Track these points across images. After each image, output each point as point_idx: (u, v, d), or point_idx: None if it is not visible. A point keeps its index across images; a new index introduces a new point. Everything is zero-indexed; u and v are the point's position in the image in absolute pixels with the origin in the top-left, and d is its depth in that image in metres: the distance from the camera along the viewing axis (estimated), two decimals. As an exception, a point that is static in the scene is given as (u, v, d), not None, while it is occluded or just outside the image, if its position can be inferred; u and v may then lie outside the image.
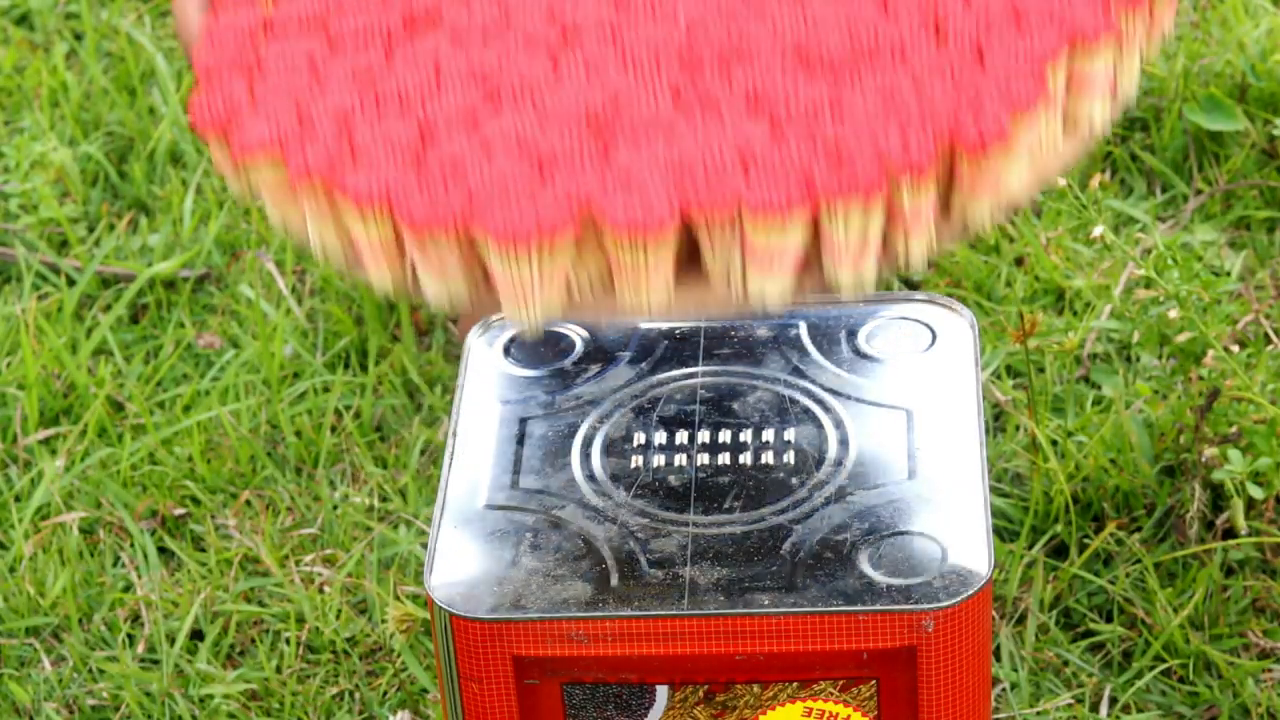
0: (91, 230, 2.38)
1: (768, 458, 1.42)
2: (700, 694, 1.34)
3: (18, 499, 2.04)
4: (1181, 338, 1.93)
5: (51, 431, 2.10)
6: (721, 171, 1.14)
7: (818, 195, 1.12)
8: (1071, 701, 1.79)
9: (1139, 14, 1.23)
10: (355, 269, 1.20)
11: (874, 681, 1.33)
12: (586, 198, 1.15)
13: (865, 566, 1.33)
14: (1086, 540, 1.90)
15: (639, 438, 1.44)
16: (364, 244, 1.18)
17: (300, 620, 1.90)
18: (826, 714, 1.34)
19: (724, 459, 1.42)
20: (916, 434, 1.43)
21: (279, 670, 1.87)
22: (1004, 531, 1.92)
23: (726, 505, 1.39)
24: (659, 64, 1.24)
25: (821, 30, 1.24)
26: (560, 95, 1.22)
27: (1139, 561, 1.87)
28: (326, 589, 1.93)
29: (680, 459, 1.42)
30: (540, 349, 1.52)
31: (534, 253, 1.14)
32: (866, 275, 1.14)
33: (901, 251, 1.14)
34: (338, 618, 1.90)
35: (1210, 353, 1.95)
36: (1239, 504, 1.83)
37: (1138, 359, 2.06)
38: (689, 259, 1.15)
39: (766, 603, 1.31)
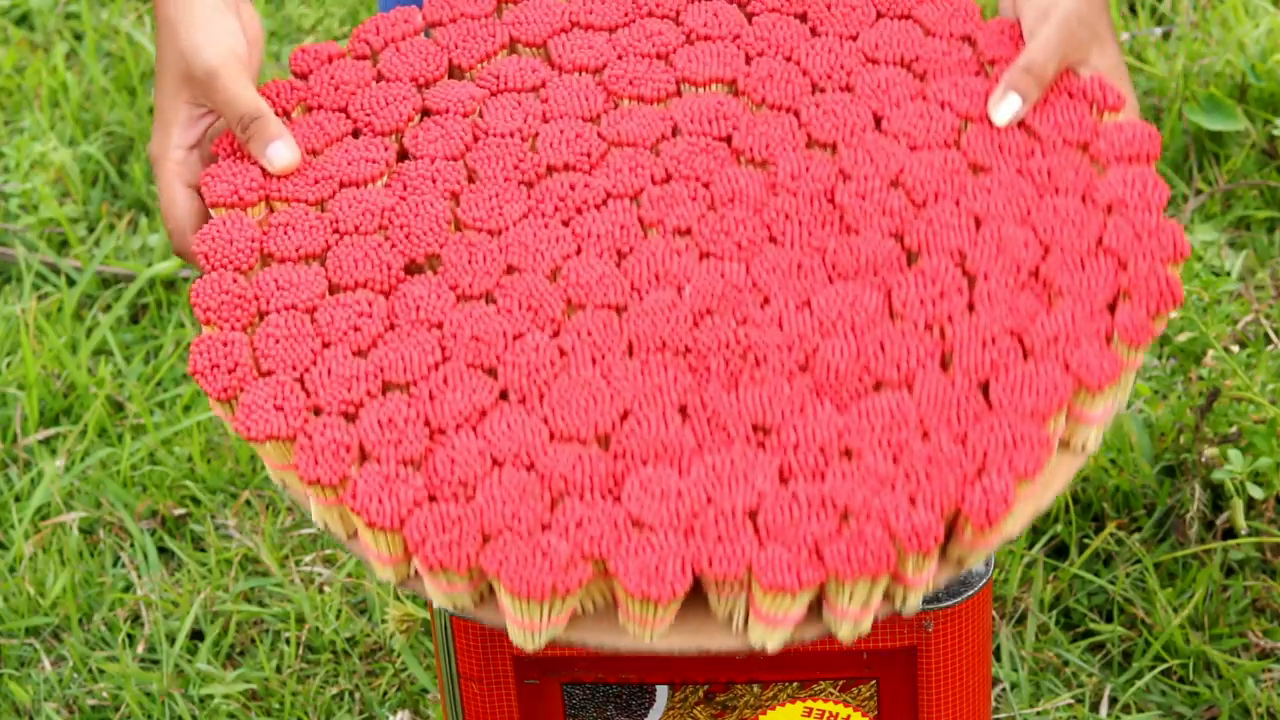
0: (91, 230, 2.38)
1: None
2: (700, 694, 1.34)
3: (18, 499, 2.04)
4: (1181, 338, 1.93)
5: (51, 431, 2.10)
6: (734, 537, 1.14)
7: (827, 571, 1.13)
8: (1071, 701, 1.79)
9: (1141, 348, 1.22)
10: (356, 551, 1.21)
11: (874, 681, 1.33)
12: (600, 554, 1.14)
13: (865, 566, 1.33)
14: (1086, 540, 1.90)
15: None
16: (370, 549, 1.18)
17: (300, 620, 1.90)
18: (826, 714, 1.34)
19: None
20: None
21: (279, 670, 1.87)
22: (1004, 531, 1.93)
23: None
24: (666, 365, 1.22)
25: (828, 340, 1.22)
26: (568, 396, 1.21)
27: (1139, 561, 1.87)
28: (326, 589, 1.93)
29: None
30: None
31: (546, 603, 1.15)
32: (864, 628, 1.16)
33: (899, 601, 1.16)
34: (338, 618, 1.90)
35: (1210, 353, 1.95)
36: (1239, 504, 1.83)
37: (1138, 359, 2.06)
38: (694, 589, 1.17)
39: (766, 603, 1.31)
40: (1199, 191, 2.26)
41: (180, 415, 2.09)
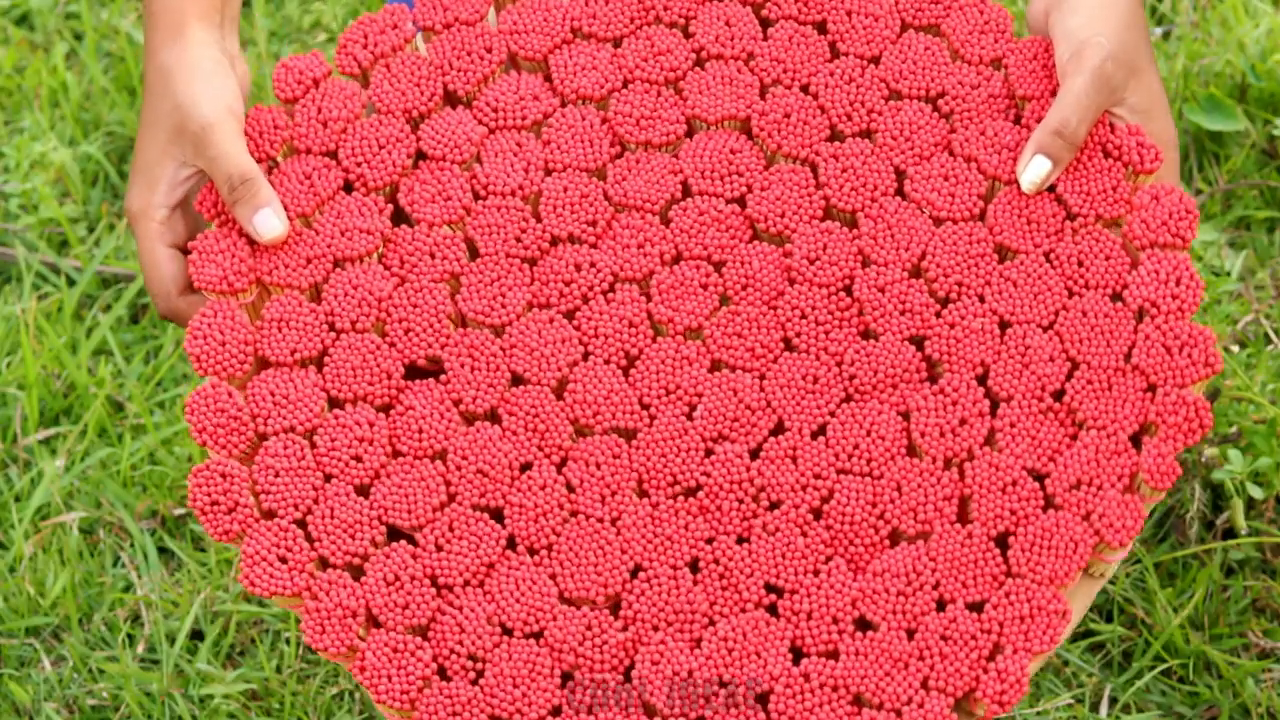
0: (91, 230, 2.38)
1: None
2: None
3: (18, 499, 2.04)
4: (1181, 338, 1.93)
5: (51, 431, 2.10)
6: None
7: None
8: (1071, 701, 1.79)
9: (1166, 490, 1.20)
10: (361, 679, 1.20)
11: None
12: None
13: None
14: (1086, 540, 1.90)
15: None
16: (379, 708, 1.18)
17: (300, 620, 1.90)
18: (826, 714, 1.33)
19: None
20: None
21: (279, 670, 1.87)
22: (1004, 531, 1.92)
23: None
24: (677, 510, 1.20)
25: (843, 480, 1.20)
26: (577, 547, 1.19)
27: (1139, 561, 1.87)
28: (326, 589, 1.93)
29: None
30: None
31: None
32: None
33: None
34: (338, 618, 1.90)
35: (1210, 353, 1.95)
36: (1239, 504, 1.83)
37: (1138, 359, 2.06)
38: None
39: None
40: (1199, 191, 2.26)
41: (180, 415, 2.09)
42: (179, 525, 2.01)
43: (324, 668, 1.87)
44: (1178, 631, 1.81)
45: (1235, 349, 1.98)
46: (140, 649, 1.90)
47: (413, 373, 1.26)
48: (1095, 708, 1.79)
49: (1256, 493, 1.82)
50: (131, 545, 1.99)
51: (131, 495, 2.02)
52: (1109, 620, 1.86)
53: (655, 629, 1.16)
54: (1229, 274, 2.13)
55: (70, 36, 2.65)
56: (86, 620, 1.93)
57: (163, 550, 1.99)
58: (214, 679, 1.86)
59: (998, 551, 1.16)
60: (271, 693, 1.86)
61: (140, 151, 1.29)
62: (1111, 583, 1.86)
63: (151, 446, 2.06)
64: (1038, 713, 1.78)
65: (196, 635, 1.91)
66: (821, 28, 1.35)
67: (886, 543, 1.18)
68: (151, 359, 2.19)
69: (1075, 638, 1.85)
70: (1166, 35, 2.47)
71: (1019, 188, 1.27)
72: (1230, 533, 1.88)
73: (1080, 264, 1.25)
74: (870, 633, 1.15)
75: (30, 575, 1.96)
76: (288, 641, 1.89)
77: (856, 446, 1.20)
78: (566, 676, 1.16)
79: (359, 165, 1.31)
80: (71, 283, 2.29)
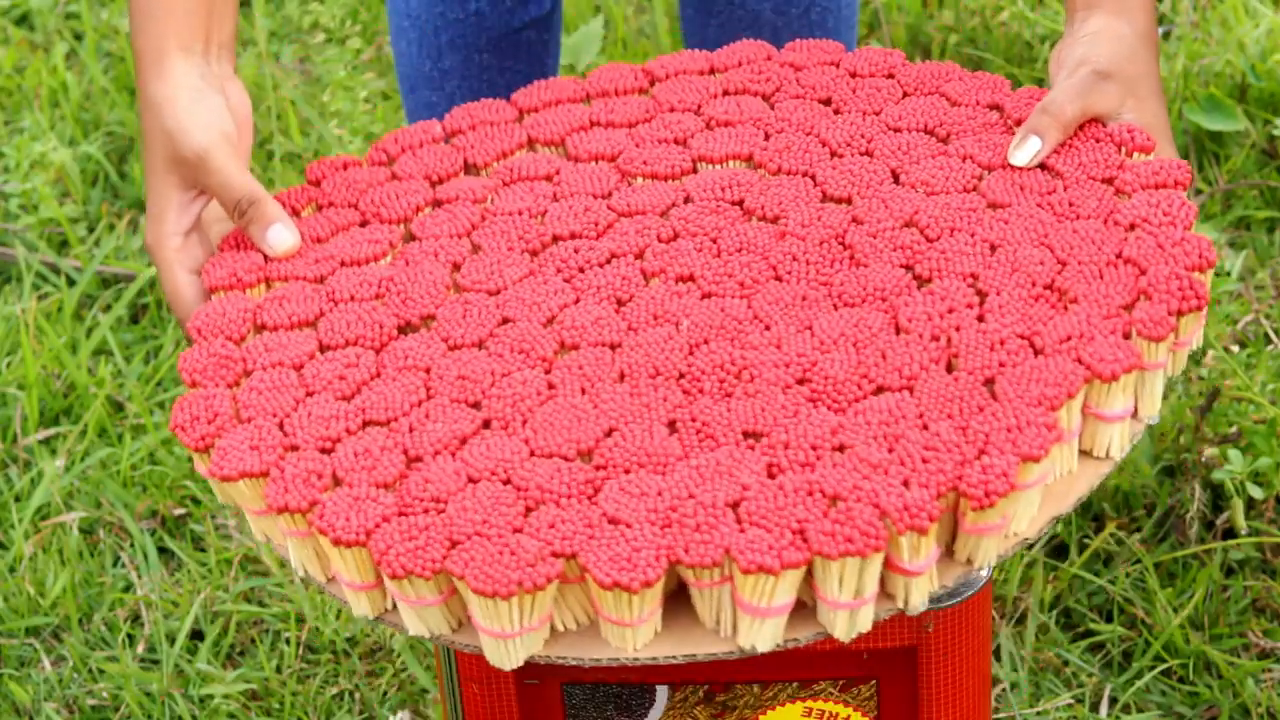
0: (91, 230, 2.38)
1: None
2: (700, 694, 1.34)
3: (18, 499, 2.04)
4: (1181, 338, 1.93)
5: (51, 431, 2.10)
6: (712, 526, 1.10)
7: (811, 550, 1.08)
8: (1071, 701, 1.79)
9: (1162, 342, 1.18)
10: (335, 594, 1.19)
11: (874, 681, 1.33)
12: (571, 550, 1.10)
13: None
14: (1086, 540, 1.90)
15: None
16: (342, 575, 1.16)
17: (300, 620, 1.90)
18: (826, 714, 1.34)
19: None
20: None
21: (279, 670, 1.88)
22: (1004, 531, 1.92)
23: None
24: (657, 387, 1.20)
25: (827, 354, 1.19)
26: (552, 418, 1.18)
27: (1139, 561, 1.87)
28: (326, 589, 1.93)
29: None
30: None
31: (515, 603, 1.11)
32: (862, 623, 1.11)
33: (902, 595, 1.12)
34: (338, 618, 1.90)
35: (1210, 353, 1.95)
36: (1239, 504, 1.83)
37: (1138, 359, 2.06)
38: (680, 591, 1.14)
39: (766, 603, 1.31)
40: (1199, 191, 2.26)
41: (180, 415, 2.09)
42: (179, 525, 2.01)
43: (324, 668, 1.87)
44: (1178, 631, 1.81)
45: (1235, 349, 1.99)
46: (140, 649, 1.90)
47: (406, 333, 1.29)
48: (1095, 708, 1.79)
49: (1256, 493, 1.82)
50: (131, 545, 1.99)
51: (131, 495, 2.02)
52: (1109, 620, 1.86)
53: (626, 471, 1.15)
54: (1229, 274, 2.13)
55: (70, 36, 2.66)
56: (86, 620, 1.93)
57: (163, 550, 1.99)
58: (214, 679, 1.86)
59: (985, 391, 1.16)
60: (271, 693, 1.86)
61: (146, 184, 1.33)
62: (1111, 582, 1.86)
63: (151, 446, 2.06)
64: (1038, 713, 1.78)
65: (196, 635, 1.92)
66: (826, 101, 1.43)
67: (870, 395, 1.18)
68: (151, 359, 2.20)
69: (1075, 638, 1.85)
70: (1166, 35, 2.47)
71: (1012, 169, 1.32)
72: (1230, 533, 1.88)
73: (1071, 205, 1.28)
74: (849, 452, 1.13)
75: (30, 575, 1.96)
76: (288, 641, 1.89)
77: (842, 333, 1.21)
78: (530, 510, 1.14)
79: (376, 208, 1.37)
80: (71, 283, 2.29)
